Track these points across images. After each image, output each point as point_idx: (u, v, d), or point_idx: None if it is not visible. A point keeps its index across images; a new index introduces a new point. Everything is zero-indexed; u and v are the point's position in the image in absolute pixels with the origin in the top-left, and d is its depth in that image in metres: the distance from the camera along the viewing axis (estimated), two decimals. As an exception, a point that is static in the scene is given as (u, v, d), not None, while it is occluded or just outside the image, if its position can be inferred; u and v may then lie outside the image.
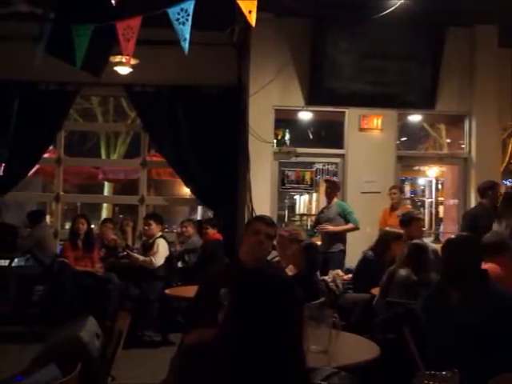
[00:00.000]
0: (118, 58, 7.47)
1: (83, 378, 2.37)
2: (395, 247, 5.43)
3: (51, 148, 9.28)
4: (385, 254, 5.48)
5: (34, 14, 6.32)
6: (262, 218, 3.36)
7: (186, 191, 11.59)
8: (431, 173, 14.15)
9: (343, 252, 7.09)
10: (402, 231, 5.74)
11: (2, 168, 8.41)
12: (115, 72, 7.77)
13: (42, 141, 8.53)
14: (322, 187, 8.09)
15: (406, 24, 7.32)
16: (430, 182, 15.17)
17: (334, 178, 7.85)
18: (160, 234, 6.80)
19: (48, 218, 9.99)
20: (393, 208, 7.33)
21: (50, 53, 5.63)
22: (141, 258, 6.64)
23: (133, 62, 7.26)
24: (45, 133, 8.46)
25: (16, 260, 7.82)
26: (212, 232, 7.44)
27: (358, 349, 3.21)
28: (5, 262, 7.70)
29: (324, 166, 8.60)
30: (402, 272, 4.56)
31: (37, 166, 9.40)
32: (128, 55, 4.52)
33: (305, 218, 10.82)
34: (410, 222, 5.89)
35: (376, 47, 7.70)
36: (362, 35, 7.62)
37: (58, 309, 6.53)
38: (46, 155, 9.06)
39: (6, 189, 8.50)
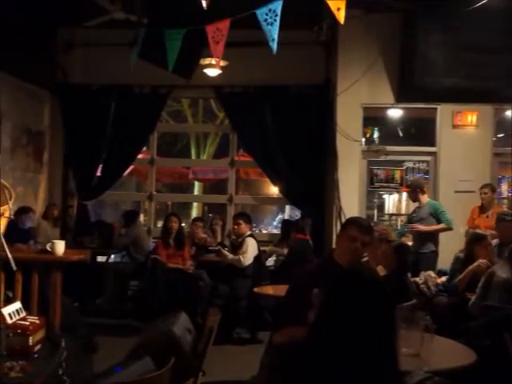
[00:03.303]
0: (207, 61, 7.64)
1: (176, 371, 2.43)
2: (479, 250, 5.19)
3: (144, 149, 9.64)
4: (472, 258, 5.23)
5: (129, 21, 6.60)
6: (359, 224, 3.14)
7: (273, 190, 11.65)
8: (531, 171, 13.38)
9: (435, 253, 6.86)
10: (486, 232, 5.53)
11: (100, 168, 8.85)
12: (204, 74, 7.95)
13: (137, 142, 8.89)
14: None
15: (503, 14, 6.96)
16: (530, 180, 14.35)
17: (411, 177, 7.70)
18: (249, 232, 6.87)
19: (141, 217, 10.37)
20: (483, 208, 7.03)
21: (144, 57, 5.85)
22: (230, 256, 6.74)
23: (222, 63, 7.39)
24: (139, 134, 8.81)
25: (112, 256, 8.20)
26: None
27: (452, 354, 3.10)
28: (102, 258, 8.09)
29: (414, 164, 8.37)
30: (503, 274, 4.34)
31: (131, 167, 9.81)
32: (218, 57, 4.60)
33: (394, 217, 10.56)
34: (497, 222, 5.81)
35: (470, 40, 7.36)
36: (455, 28, 7.32)
37: (151, 304, 6.77)
38: (139, 156, 9.42)
39: (104, 188, 8.92)
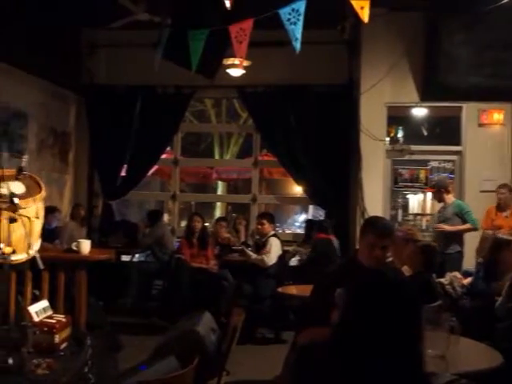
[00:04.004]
0: (230, 61, 7.65)
1: (200, 370, 2.44)
2: (507, 255, 5.01)
3: (168, 149, 9.69)
4: (498, 264, 5.05)
5: (152, 22, 6.65)
6: (377, 229, 3.01)
7: (297, 190, 11.64)
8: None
9: (460, 253, 6.78)
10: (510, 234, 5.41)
11: (125, 169, 8.93)
12: (228, 74, 7.96)
13: (161, 142, 8.95)
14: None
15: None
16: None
17: (436, 177, 7.63)
18: (273, 232, 6.87)
19: (165, 216, 10.43)
20: (500, 208, 6.93)
21: (168, 58, 5.89)
22: (253, 255, 6.75)
23: (245, 63, 7.40)
24: (163, 135, 8.86)
25: (137, 255, 8.27)
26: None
27: (478, 356, 3.06)
28: (127, 258, 8.17)
29: (440, 163, 8.26)
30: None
31: (155, 167, 9.87)
32: (241, 57, 4.62)
33: (419, 217, 10.46)
34: None
35: (496, 38, 7.26)
36: (480, 26, 7.23)
37: (175, 303, 6.80)
38: (163, 156, 9.47)
39: (128, 188, 9.00)
